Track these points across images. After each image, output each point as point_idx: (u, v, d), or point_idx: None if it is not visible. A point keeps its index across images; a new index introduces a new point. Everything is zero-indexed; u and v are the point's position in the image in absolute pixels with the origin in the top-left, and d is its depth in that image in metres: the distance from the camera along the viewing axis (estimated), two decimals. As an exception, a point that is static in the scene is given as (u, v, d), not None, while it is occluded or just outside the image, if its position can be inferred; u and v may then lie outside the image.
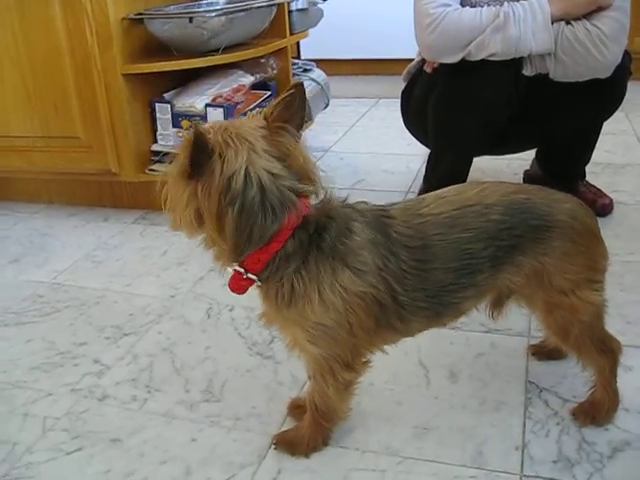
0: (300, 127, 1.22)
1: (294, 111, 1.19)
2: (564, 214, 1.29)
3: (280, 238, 1.18)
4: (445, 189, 1.34)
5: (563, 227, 1.29)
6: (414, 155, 3.15)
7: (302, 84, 1.20)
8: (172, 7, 2.60)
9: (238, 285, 1.26)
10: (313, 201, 1.24)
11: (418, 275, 1.26)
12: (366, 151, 3.39)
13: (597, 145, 2.47)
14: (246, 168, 1.13)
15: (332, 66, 4.26)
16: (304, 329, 1.25)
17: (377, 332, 1.30)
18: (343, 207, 1.27)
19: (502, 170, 2.92)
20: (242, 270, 1.23)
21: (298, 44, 4.39)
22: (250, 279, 1.24)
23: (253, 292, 1.30)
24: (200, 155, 1.11)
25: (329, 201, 1.25)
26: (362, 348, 1.31)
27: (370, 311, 1.25)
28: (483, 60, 2.03)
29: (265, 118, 1.19)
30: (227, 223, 1.14)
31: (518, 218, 1.27)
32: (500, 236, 1.27)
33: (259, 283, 1.25)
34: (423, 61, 2.37)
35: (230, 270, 1.26)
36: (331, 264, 1.21)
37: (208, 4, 2.69)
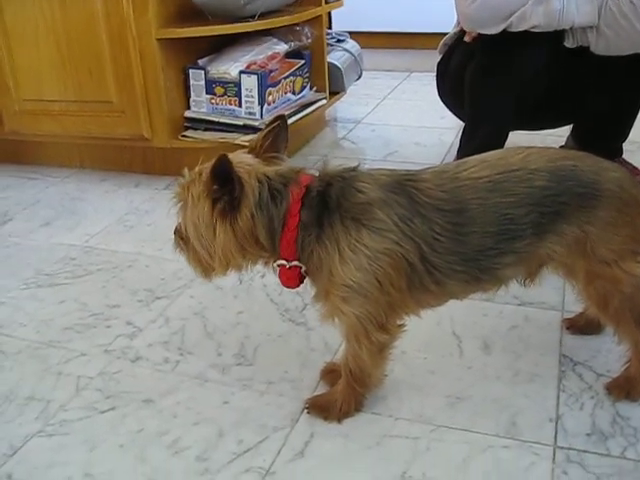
0: (285, 151, 1.35)
1: (281, 140, 1.33)
2: (612, 183, 1.27)
3: (293, 212, 1.24)
4: (489, 153, 1.32)
5: (610, 196, 1.26)
6: (447, 128, 3.12)
7: (284, 116, 1.35)
8: (208, -28, 2.58)
9: (287, 277, 1.32)
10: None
11: (453, 239, 1.25)
12: (398, 123, 3.36)
13: (634, 123, 2.43)
14: (257, 179, 1.23)
15: (364, 39, 4.20)
16: (334, 292, 1.26)
17: (411, 293, 1.29)
18: (346, 171, 1.29)
19: (536, 146, 2.87)
20: (284, 262, 1.28)
21: (330, 16, 4.35)
22: (294, 267, 1.28)
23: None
24: (233, 184, 1.19)
25: (325, 167, 1.30)
26: (397, 308, 1.31)
27: (400, 269, 1.24)
28: (524, 31, 1.99)
29: (252, 150, 1.30)
30: (259, 232, 1.25)
31: (564, 185, 1.25)
32: (544, 202, 1.25)
33: (303, 267, 1.28)
34: (460, 32, 2.34)
35: (274, 270, 1.33)
36: (343, 223, 1.23)
37: (244, -31, 2.66)
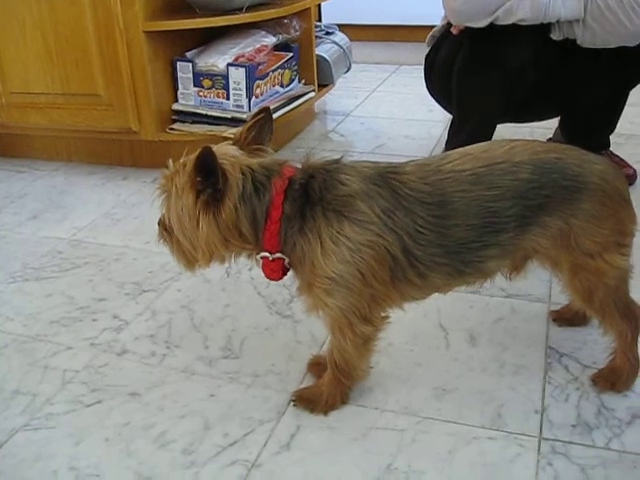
0: (269, 144, 1.35)
1: (265, 133, 1.33)
2: (595, 176, 1.27)
3: (276, 204, 1.24)
4: (473, 146, 1.32)
5: (594, 189, 1.27)
6: (435, 121, 3.12)
7: (269, 108, 1.35)
8: (195, -37, 2.57)
9: (270, 269, 1.32)
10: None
11: (436, 231, 1.25)
12: (387, 116, 3.36)
13: (622, 115, 2.44)
14: (241, 171, 1.24)
15: (353, 31, 4.19)
16: (317, 284, 1.26)
17: (394, 286, 1.29)
18: (329, 163, 1.29)
19: (524, 138, 2.87)
20: (267, 254, 1.29)
21: (319, 8, 4.34)
22: (277, 258, 1.28)
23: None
24: (217, 176, 1.20)
25: (308, 160, 1.30)
26: (380, 300, 1.31)
27: (382, 261, 1.25)
28: (511, 24, 1.99)
29: (236, 142, 1.31)
30: (242, 225, 1.25)
31: (548, 178, 1.25)
32: (528, 195, 1.25)
33: (286, 259, 1.28)
34: (448, 25, 2.34)
35: (257, 261, 1.33)
36: (325, 215, 1.23)
37: (232, -40, 2.65)
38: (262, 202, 1.24)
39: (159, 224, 1.36)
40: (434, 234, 1.25)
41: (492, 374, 1.51)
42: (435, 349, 1.60)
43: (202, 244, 1.26)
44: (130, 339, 1.69)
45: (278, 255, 1.28)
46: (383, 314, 1.35)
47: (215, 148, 1.23)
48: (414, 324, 1.66)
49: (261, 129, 1.32)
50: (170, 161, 1.30)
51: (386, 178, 1.26)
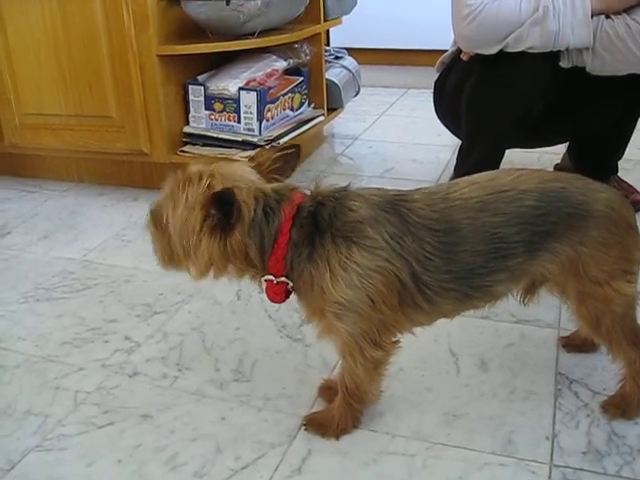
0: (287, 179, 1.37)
1: (288, 167, 1.36)
2: (601, 204, 1.29)
3: (284, 230, 1.25)
4: (479, 174, 1.34)
5: (600, 217, 1.28)
6: (444, 146, 3.14)
7: (299, 147, 1.38)
8: (208, -11, 2.61)
9: (274, 292, 1.32)
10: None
11: (444, 257, 1.26)
12: (395, 140, 3.39)
13: (630, 141, 2.45)
14: (255, 197, 1.24)
15: (361, 55, 4.23)
16: (327, 309, 1.27)
17: (403, 311, 1.30)
18: (338, 191, 1.30)
19: (532, 164, 2.90)
20: (272, 277, 1.29)
21: (328, 32, 4.38)
22: (281, 282, 1.29)
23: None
24: (232, 212, 1.20)
25: (317, 187, 1.31)
26: (389, 326, 1.31)
27: (391, 286, 1.25)
28: (521, 51, 2.01)
29: (256, 166, 1.31)
30: (249, 250, 1.26)
31: (553, 205, 1.26)
32: (535, 222, 1.26)
33: (290, 283, 1.29)
34: (458, 51, 2.36)
35: (261, 284, 1.33)
36: (334, 241, 1.24)
37: (244, -13, 2.69)
38: (270, 228, 1.25)
39: (151, 213, 1.34)
40: (442, 260, 1.26)
41: (502, 400, 1.51)
42: (445, 374, 1.60)
43: (199, 259, 1.26)
44: (141, 361, 1.70)
45: (282, 279, 1.29)
46: (394, 339, 1.35)
47: (234, 167, 1.24)
48: (424, 349, 1.67)
49: (286, 163, 1.34)
50: (189, 166, 1.29)
51: (394, 205, 1.27)
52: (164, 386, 1.60)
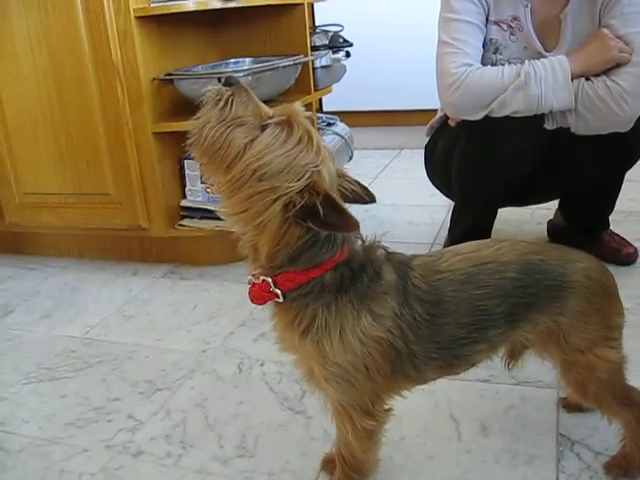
0: None
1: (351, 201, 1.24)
2: (579, 274, 1.31)
3: (324, 267, 1.19)
4: (464, 245, 1.37)
5: (578, 287, 1.30)
6: (438, 206, 3.18)
7: (375, 198, 1.29)
8: (200, 67, 2.68)
9: (260, 296, 1.24)
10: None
11: (430, 328, 1.28)
12: (390, 203, 3.43)
13: (619, 194, 2.49)
14: None
15: (353, 118, 4.32)
16: (322, 366, 1.25)
17: (394, 378, 1.30)
18: (378, 250, 1.28)
19: (526, 220, 2.94)
20: (271, 282, 1.22)
21: (320, 97, 4.47)
22: (274, 293, 1.23)
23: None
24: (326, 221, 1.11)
25: (373, 244, 1.27)
26: (381, 394, 1.31)
27: (387, 356, 1.26)
28: (506, 116, 2.07)
29: (341, 177, 1.23)
30: (290, 241, 1.15)
31: (533, 278, 1.29)
32: (515, 293, 1.29)
33: (280, 300, 1.24)
34: (446, 116, 2.42)
35: (257, 279, 1.24)
36: (358, 306, 1.22)
37: (235, 63, 2.77)
38: (319, 254, 1.18)
39: (230, 90, 1.16)
40: (429, 330, 1.28)
41: (505, 465, 1.51)
42: (447, 441, 1.61)
43: (250, 210, 1.13)
44: (145, 439, 1.70)
45: (277, 291, 1.22)
46: (386, 407, 1.35)
47: (336, 166, 1.18)
48: (425, 416, 1.68)
49: (354, 197, 1.25)
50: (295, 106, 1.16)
51: (403, 271, 1.28)
52: (168, 465, 1.60)
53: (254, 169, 1.10)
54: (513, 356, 1.45)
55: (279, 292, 1.23)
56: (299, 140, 1.11)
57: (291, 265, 1.19)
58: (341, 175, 1.23)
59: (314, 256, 1.18)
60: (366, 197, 1.27)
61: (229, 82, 1.17)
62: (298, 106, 1.17)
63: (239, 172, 1.12)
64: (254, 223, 1.13)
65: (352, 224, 1.10)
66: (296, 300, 1.23)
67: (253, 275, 1.25)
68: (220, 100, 1.15)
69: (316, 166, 1.11)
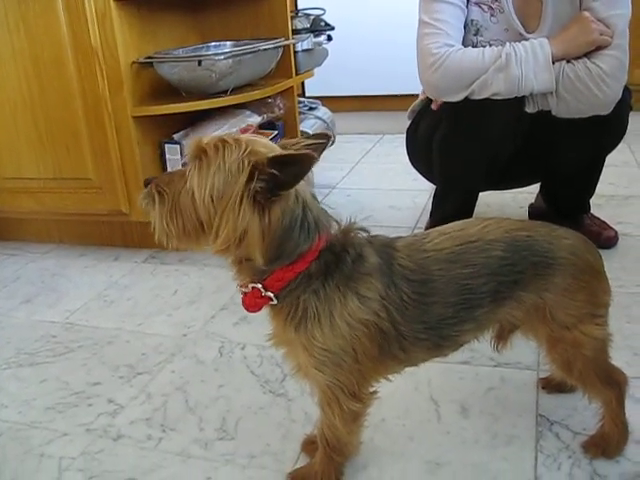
0: None
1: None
2: (565, 250, 1.32)
3: (307, 258, 1.21)
4: (449, 225, 1.37)
5: (564, 264, 1.31)
6: (420, 190, 3.18)
7: (330, 136, 1.31)
8: (180, 50, 2.66)
9: (254, 303, 1.27)
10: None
11: (418, 308, 1.28)
12: (372, 187, 3.43)
13: (600, 177, 2.50)
14: (295, 195, 1.19)
15: (336, 103, 4.31)
16: (310, 354, 1.26)
17: (381, 360, 1.31)
18: (358, 233, 1.29)
19: (508, 204, 2.95)
20: (261, 288, 1.24)
21: (303, 82, 4.46)
22: (267, 297, 1.25)
23: (264, 329, 1.33)
24: (288, 187, 1.14)
25: (351, 227, 1.28)
26: (367, 376, 1.32)
27: (374, 338, 1.26)
28: (487, 98, 2.07)
29: (284, 148, 1.23)
30: (272, 239, 1.17)
31: (519, 255, 1.30)
32: (501, 272, 1.29)
33: (274, 302, 1.25)
34: (428, 99, 2.42)
35: (246, 288, 1.26)
36: (343, 289, 1.23)
37: (216, 46, 2.74)
38: (298, 243, 1.20)
39: (152, 184, 1.24)
40: (417, 310, 1.28)
41: (485, 445, 1.52)
42: (427, 422, 1.61)
43: (228, 229, 1.14)
44: (126, 423, 1.70)
45: (270, 294, 1.24)
46: (371, 390, 1.36)
47: (266, 140, 1.19)
48: (405, 398, 1.68)
49: (313, 151, 1.22)
50: (211, 137, 1.19)
51: (386, 252, 1.29)
52: (149, 448, 1.60)
53: (209, 197, 1.14)
54: (502, 337, 1.46)
55: (271, 295, 1.24)
56: (216, 151, 1.14)
57: (277, 263, 1.21)
58: (285, 145, 1.23)
59: (295, 246, 1.19)
60: (321, 140, 1.28)
61: (145, 183, 1.25)
62: (197, 137, 1.21)
63: (204, 212, 1.15)
64: (236, 235, 1.14)
65: (306, 156, 1.11)
66: (287, 297, 1.24)
67: (241, 286, 1.28)
68: (152, 197, 1.22)
69: (245, 151, 1.14)
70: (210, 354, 1.97)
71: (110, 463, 1.56)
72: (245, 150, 1.14)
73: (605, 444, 1.46)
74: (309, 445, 1.52)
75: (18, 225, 3.02)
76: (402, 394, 1.67)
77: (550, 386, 1.69)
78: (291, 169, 1.11)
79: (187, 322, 2.18)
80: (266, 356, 1.91)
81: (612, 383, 1.41)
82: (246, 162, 1.13)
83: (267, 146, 1.18)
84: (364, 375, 1.31)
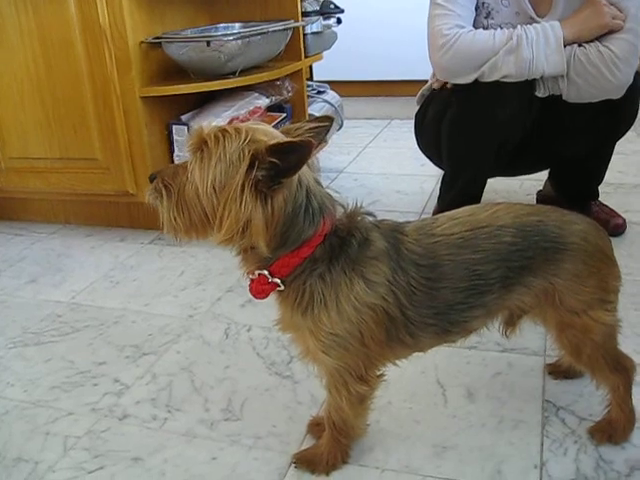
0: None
1: (317, 140, 1.24)
2: (575, 236, 1.31)
3: (312, 243, 1.21)
4: (459, 210, 1.36)
5: (574, 249, 1.30)
6: (428, 176, 3.17)
7: (333, 119, 1.31)
8: (189, 31, 2.64)
9: (261, 289, 1.27)
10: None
11: (426, 293, 1.27)
12: (380, 172, 3.42)
13: (609, 165, 2.49)
14: (299, 181, 1.18)
15: (344, 87, 4.29)
16: (317, 338, 1.26)
17: (388, 345, 1.31)
18: (364, 216, 1.29)
19: (515, 191, 2.94)
20: (267, 274, 1.25)
21: (311, 66, 4.43)
22: (274, 283, 1.25)
23: (270, 312, 1.33)
24: (289, 175, 1.13)
25: (357, 211, 1.28)
26: (374, 360, 1.32)
27: (381, 322, 1.26)
28: (497, 81, 2.06)
29: (286, 133, 1.23)
30: (276, 227, 1.17)
31: (530, 240, 1.29)
32: (511, 258, 1.28)
33: (281, 287, 1.26)
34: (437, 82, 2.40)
35: (253, 275, 1.27)
36: (349, 273, 1.23)
37: (225, 28, 2.73)
38: (303, 229, 1.20)
39: (158, 177, 1.25)
40: (425, 295, 1.28)
41: (491, 430, 1.52)
42: (434, 406, 1.61)
43: (232, 220, 1.15)
44: (131, 403, 1.70)
45: (277, 280, 1.25)
46: (378, 373, 1.36)
47: (267, 127, 1.19)
48: (412, 381, 1.68)
49: (316, 135, 1.25)
50: (210, 126, 1.20)
51: (393, 237, 1.28)
52: (154, 428, 1.60)
53: (212, 188, 1.14)
54: (510, 323, 1.45)
55: (278, 281, 1.24)
56: (216, 141, 1.14)
57: (283, 249, 1.21)
58: (288, 131, 1.23)
59: (300, 232, 1.20)
60: (324, 123, 1.27)
61: (151, 178, 1.26)
62: (199, 125, 1.23)
63: (208, 203, 1.15)
64: (239, 225, 1.14)
65: (305, 143, 1.10)
66: (294, 282, 1.24)
67: (247, 273, 1.28)
68: (160, 191, 1.23)
69: (245, 140, 1.13)
70: (216, 335, 1.97)
71: (115, 442, 1.56)
72: (245, 139, 1.13)
73: (611, 430, 1.46)
74: (315, 427, 1.52)
75: (24, 205, 3.01)
76: (409, 377, 1.67)
77: (557, 372, 1.69)
78: (291, 157, 1.11)
79: (193, 303, 2.18)
80: (272, 338, 1.91)
81: (620, 369, 1.40)
82: (246, 151, 1.12)
83: (268, 134, 1.18)
84: (371, 359, 1.31)
